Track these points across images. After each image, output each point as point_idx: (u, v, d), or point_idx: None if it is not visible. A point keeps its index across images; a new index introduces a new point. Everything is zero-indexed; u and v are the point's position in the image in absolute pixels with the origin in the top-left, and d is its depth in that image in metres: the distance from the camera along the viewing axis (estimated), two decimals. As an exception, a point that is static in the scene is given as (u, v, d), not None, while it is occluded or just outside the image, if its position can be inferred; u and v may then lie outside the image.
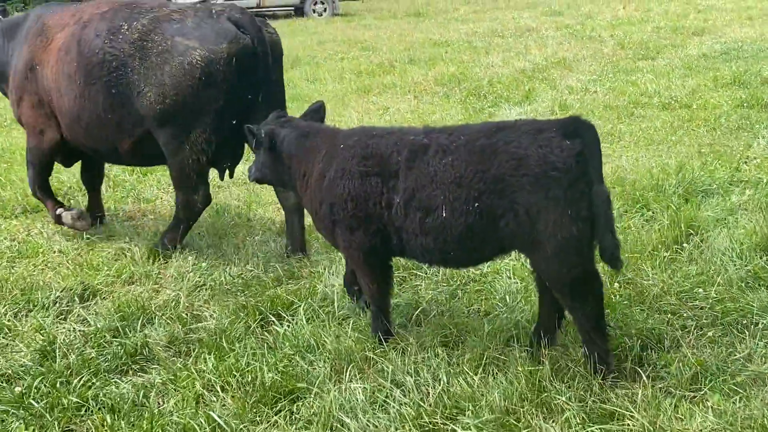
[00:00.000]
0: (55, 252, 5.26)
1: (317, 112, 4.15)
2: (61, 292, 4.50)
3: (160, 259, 4.99)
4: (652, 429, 2.94)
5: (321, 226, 3.87)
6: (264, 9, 23.00)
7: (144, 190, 6.51)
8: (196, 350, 3.83)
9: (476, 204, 3.32)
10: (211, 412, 3.19)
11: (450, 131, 3.55)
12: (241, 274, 4.69)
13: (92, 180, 5.81)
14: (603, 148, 6.90)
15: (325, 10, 23.07)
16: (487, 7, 23.25)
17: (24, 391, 3.46)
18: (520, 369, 3.37)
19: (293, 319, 4.02)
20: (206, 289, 4.55)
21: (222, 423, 3.14)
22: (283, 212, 5.15)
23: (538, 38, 15.22)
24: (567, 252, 3.24)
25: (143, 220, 5.98)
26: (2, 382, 3.62)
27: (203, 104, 4.47)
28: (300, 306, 4.12)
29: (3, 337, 4.07)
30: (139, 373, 3.72)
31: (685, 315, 3.87)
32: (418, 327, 3.96)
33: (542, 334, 3.63)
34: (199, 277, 4.68)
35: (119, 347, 3.85)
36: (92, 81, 4.65)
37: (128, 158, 5.11)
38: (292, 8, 23.37)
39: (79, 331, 4.12)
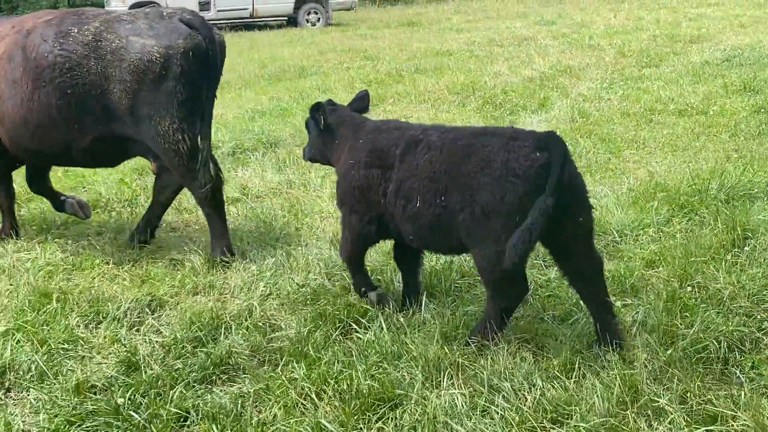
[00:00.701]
0: (109, 264, 5.21)
1: (362, 100, 4.58)
2: (130, 303, 4.46)
3: (219, 269, 4.97)
4: (761, 430, 2.99)
5: (338, 203, 4.33)
6: (257, 19, 23.01)
7: (183, 201, 6.46)
8: (282, 359, 3.81)
9: (442, 197, 3.66)
10: (321, 420, 3.18)
11: (444, 130, 3.90)
12: (306, 282, 4.67)
13: (43, 188, 5.96)
14: (629, 154, 7.10)
15: (318, 20, 23.14)
16: (479, 17, 23.43)
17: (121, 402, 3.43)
18: (615, 372, 3.39)
19: (373, 327, 4.01)
20: (274, 298, 4.54)
21: (333, 430, 3.14)
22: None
23: (537, 47, 15.34)
24: (515, 258, 3.39)
25: (188, 231, 5.95)
26: (93, 393, 3.58)
27: (165, 97, 4.76)
28: (376, 313, 4.12)
29: (80, 349, 4.02)
30: (228, 383, 3.70)
31: (759, 317, 3.93)
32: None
33: (606, 337, 3.70)
34: (264, 286, 4.67)
35: (204, 357, 3.82)
36: (42, 84, 4.83)
37: (81, 158, 5.26)
38: (286, 18, 23.37)
39: (157, 341, 4.09)
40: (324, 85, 11.92)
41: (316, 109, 4.34)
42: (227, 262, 5.05)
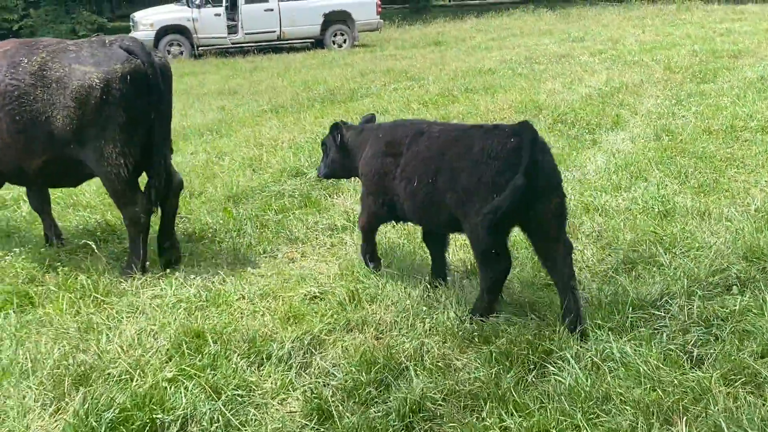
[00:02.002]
0: (244, 298, 4.94)
1: (370, 121, 5.31)
2: (292, 342, 4.18)
3: (364, 304, 4.69)
4: None
5: (363, 194, 4.99)
6: (284, 41, 22.84)
7: (293, 230, 6.20)
8: (482, 404, 3.53)
9: (432, 179, 4.25)
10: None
11: (444, 126, 4.67)
12: (465, 316, 4.40)
13: (41, 204, 6.21)
14: (733, 174, 6.83)
15: (344, 41, 22.96)
16: (503, 35, 23.27)
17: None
18: None
19: (564, 366, 3.74)
20: (437, 335, 4.26)
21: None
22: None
23: (579, 64, 15.15)
24: (484, 227, 3.91)
25: (308, 261, 5.67)
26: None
27: (107, 121, 4.92)
28: (565, 351, 3.85)
29: (255, 395, 3.74)
30: (432, 432, 3.41)
31: None
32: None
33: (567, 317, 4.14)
34: (421, 322, 4.39)
35: (401, 403, 3.54)
36: None
37: (35, 178, 5.47)
38: (312, 40, 23.20)
39: (333, 384, 3.81)
40: (379, 106, 11.67)
41: (336, 128, 5.08)
42: (132, 277, 5.23)
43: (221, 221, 6.47)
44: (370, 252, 5.11)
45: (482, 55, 18.40)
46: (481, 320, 4.23)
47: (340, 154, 5.08)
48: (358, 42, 23.14)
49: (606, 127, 9.29)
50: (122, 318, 4.70)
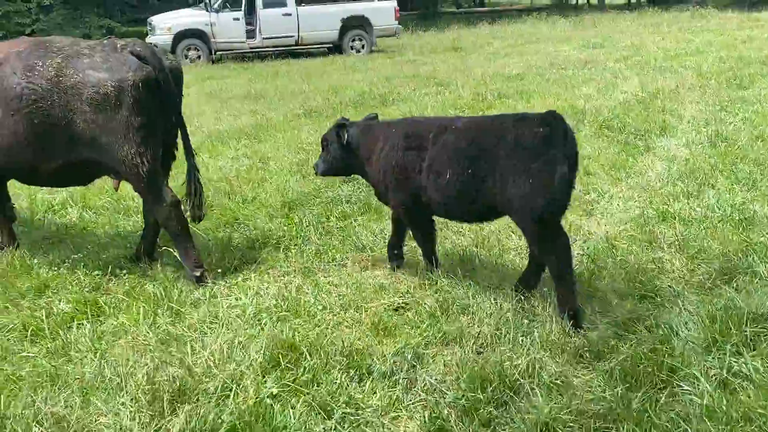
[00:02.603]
0: (326, 308, 4.71)
1: (373, 119, 5.31)
2: (395, 357, 3.94)
3: (457, 315, 4.45)
4: None
5: (380, 190, 5.07)
6: (302, 46, 22.63)
7: (359, 237, 5.96)
8: (608, 426, 3.29)
9: (469, 169, 4.32)
10: None
11: (468, 119, 4.80)
12: (569, 329, 4.16)
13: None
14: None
15: (362, 46, 22.74)
16: (519, 42, 23.11)
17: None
18: None
19: (694, 384, 3.50)
20: (546, 350, 4.02)
21: None
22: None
23: (606, 70, 14.96)
24: (527, 209, 4.12)
25: (381, 270, 5.43)
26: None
27: (121, 125, 4.97)
28: (692, 368, 3.61)
29: (365, 413, 3.50)
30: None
31: None
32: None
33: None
34: (523, 335, 4.15)
35: (522, 424, 3.30)
36: (11, 112, 5.08)
37: (46, 179, 5.52)
38: (330, 45, 22.99)
39: (447, 402, 3.57)
40: (416, 111, 11.43)
41: (340, 126, 5.08)
42: (205, 283, 5.18)
43: (284, 228, 6.23)
44: (429, 260, 5.12)
45: (504, 61, 18.20)
46: (578, 327, 4.20)
47: (343, 151, 5.08)
48: (375, 47, 22.92)
49: (654, 132, 9.06)
50: (204, 329, 4.45)
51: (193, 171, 5.49)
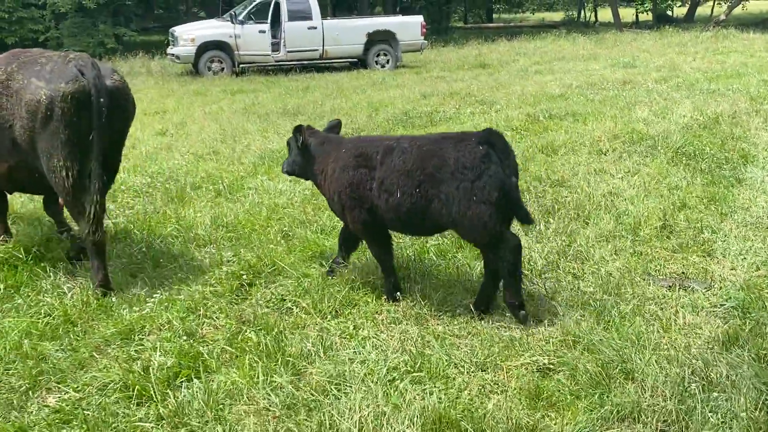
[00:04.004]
0: (451, 366, 4.13)
1: (336, 127, 5.58)
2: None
3: (614, 380, 3.88)
4: None
5: (335, 208, 5.16)
6: (327, 60, 22.11)
7: (466, 278, 5.39)
8: None
9: (417, 189, 4.53)
10: None
11: (413, 139, 4.80)
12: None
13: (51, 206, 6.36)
14: None
15: (387, 61, 22.23)
16: (546, 59, 22.62)
17: None
18: None
19: None
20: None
21: None
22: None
23: (649, 92, 14.45)
24: (474, 225, 4.41)
25: (503, 318, 4.86)
26: None
27: (52, 134, 4.98)
28: None
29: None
30: None
31: None
32: None
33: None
34: (712, 411, 3.58)
35: None
36: None
37: (4, 182, 5.72)
38: (354, 60, 22.46)
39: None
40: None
41: (297, 131, 5.25)
42: (109, 293, 5.21)
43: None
44: (393, 284, 5.13)
45: (537, 79, 17.70)
46: (523, 313, 4.59)
47: (300, 156, 5.29)
48: (401, 63, 22.40)
49: (735, 161, 8.54)
50: (333, 392, 3.86)
51: (94, 191, 5.17)
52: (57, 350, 4.56)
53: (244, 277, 5.49)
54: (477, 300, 4.87)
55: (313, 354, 4.35)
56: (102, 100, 4.98)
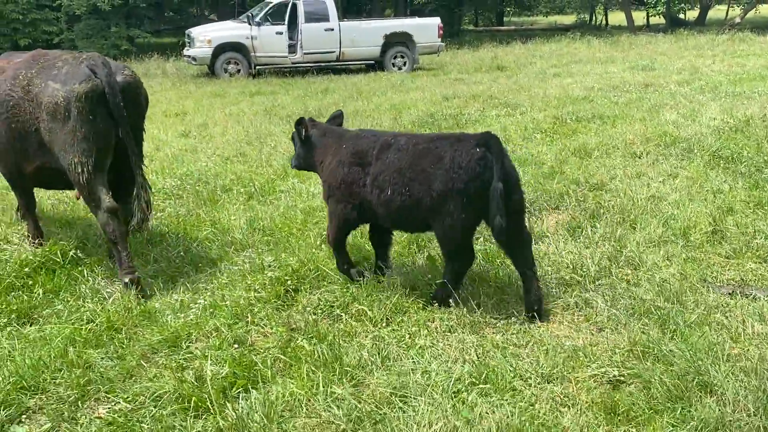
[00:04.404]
0: (517, 378, 3.95)
1: (338, 118, 5.60)
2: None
3: (692, 393, 3.69)
4: None
5: (325, 197, 5.20)
6: (343, 62, 21.94)
7: (515, 283, 5.21)
8: None
9: (407, 188, 4.57)
10: None
11: (410, 136, 4.86)
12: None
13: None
14: None
15: (404, 64, 22.05)
16: (563, 62, 22.39)
17: None
18: None
19: None
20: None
21: None
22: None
23: (673, 94, 14.24)
24: (454, 229, 4.49)
25: (563, 327, 4.67)
26: None
27: (69, 133, 5.12)
28: None
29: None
30: None
31: None
32: None
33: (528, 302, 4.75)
34: None
35: None
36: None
37: (33, 181, 5.89)
38: (370, 62, 22.29)
39: None
40: (500, 135, 10.66)
41: (299, 123, 5.31)
42: (133, 288, 5.17)
43: (423, 266, 5.47)
44: (347, 262, 5.25)
45: (557, 81, 17.50)
46: (444, 302, 4.75)
47: (303, 148, 5.33)
48: (418, 65, 22.22)
49: (779, 165, 8.32)
50: (399, 404, 3.68)
51: (138, 179, 5.46)
52: (103, 358, 4.38)
53: (289, 282, 5.30)
54: (526, 305, 4.77)
55: (371, 364, 4.17)
56: (117, 96, 5.13)
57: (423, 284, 5.18)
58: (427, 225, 4.75)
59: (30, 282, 5.35)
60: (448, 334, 4.59)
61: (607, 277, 5.32)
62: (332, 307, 5.03)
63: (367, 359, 4.21)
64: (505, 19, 53.80)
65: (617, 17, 49.37)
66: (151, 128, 12.78)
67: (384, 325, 4.76)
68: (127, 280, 5.21)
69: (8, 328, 4.79)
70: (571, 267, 5.43)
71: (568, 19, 52.42)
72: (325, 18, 21.22)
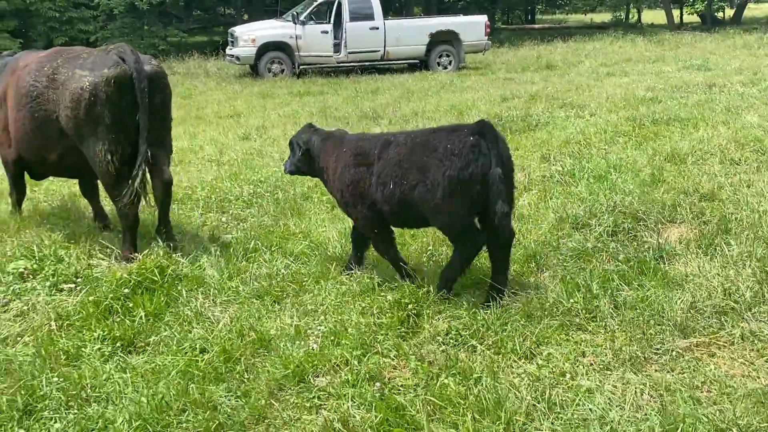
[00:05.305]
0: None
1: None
2: None
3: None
4: None
5: (342, 207, 5.22)
6: (387, 62, 21.38)
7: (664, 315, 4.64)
8: None
9: (404, 179, 4.60)
10: None
11: (409, 133, 4.94)
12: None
13: (89, 190, 6.64)
14: None
15: (450, 62, 21.44)
16: (612, 60, 21.64)
17: None
18: None
19: None
20: None
21: None
22: None
23: (743, 95, 13.51)
24: (453, 216, 4.53)
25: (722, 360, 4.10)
26: None
27: (96, 120, 5.17)
28: None
29: None
30: None
31: None
32: None
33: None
34: None
35: None
36: (20, 108, 5.57)
37: (54, 169, 5.99)
38: (414, 61, 21.70)
39: None
40: (580, 138, 10.08)
41: (304, 131, 5.40)
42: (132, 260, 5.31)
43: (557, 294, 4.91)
44: (401, 266, 5.12)
45: (613, 81, 16.83)
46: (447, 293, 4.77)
47: (305, 155, 5.29)
48: (463, 64, 21.61)
49: None
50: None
51: (141, 162, 5.35)
52: (227, 396, 3.88)
53: (410, 306, 4.76)
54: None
55: (537, 410, 3.62)
56: (143, 82, 5.15)
57: (563, 312, 4.63)
58: (426, 219, 4.75)
59: (130, 304, 4.85)
60: (607, 371, 4.02)
61: (763, 303, 4.72)
62: (459, 334, 4.49)
63: (530, 405, 3.66)
64: (536, 17, 52.92)
65: (650, 16, 48.37)
66: (208, 130, 12.37)
67: (527, 359, 4.21)
68: (125, 259, 5.50)
69: (114, 358, 4.30)
70: (723, 291, 4.83)
71: (599, 18, 51.40)
72: (369, 16, 20.67)
